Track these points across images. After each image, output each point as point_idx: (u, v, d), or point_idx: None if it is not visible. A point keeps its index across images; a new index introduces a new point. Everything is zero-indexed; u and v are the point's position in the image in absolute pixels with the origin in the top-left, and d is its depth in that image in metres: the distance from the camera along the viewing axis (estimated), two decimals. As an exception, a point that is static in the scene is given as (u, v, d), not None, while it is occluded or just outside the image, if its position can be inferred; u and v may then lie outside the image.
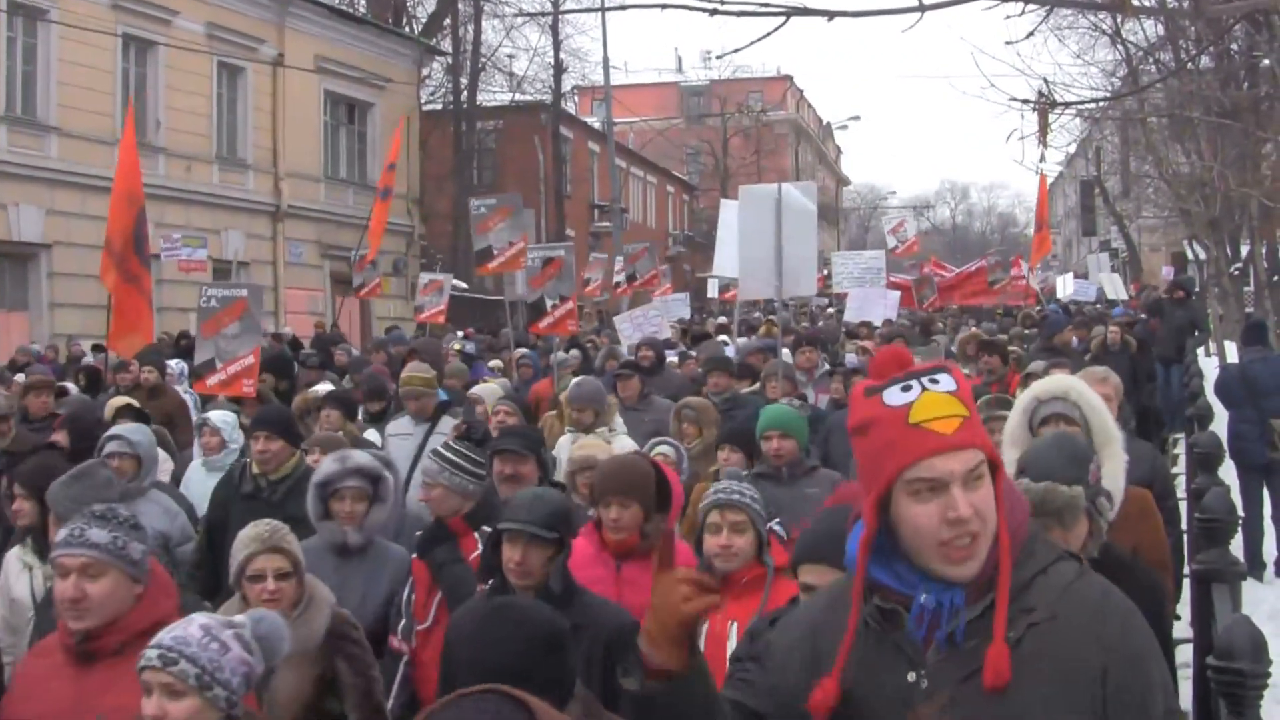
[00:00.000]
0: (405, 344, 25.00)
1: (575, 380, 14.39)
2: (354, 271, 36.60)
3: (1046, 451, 5.59)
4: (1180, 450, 19.80)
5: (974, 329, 23.40)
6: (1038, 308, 33.02)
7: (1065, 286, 50.07)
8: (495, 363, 22.18)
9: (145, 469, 9.38)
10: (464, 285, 50.13)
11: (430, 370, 13.67)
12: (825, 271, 38.16)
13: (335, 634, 6.66)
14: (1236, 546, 8.81)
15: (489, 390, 14.23)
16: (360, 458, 8.31)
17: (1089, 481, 5.41)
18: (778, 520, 7.67)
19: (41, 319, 32.88)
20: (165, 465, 11.36)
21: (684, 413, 12.41)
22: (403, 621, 7.63)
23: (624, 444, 11.60)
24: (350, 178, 45.87)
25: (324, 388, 15.46)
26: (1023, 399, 7.05)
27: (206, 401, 15.70)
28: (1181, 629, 10.47)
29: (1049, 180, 62.61)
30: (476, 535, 7.66)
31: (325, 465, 8.33)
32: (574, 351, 21.57)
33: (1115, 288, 39.22)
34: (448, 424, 12.32)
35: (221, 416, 11.97)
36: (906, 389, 3.40)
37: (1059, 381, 7.07)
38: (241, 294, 16.08)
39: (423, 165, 50.05)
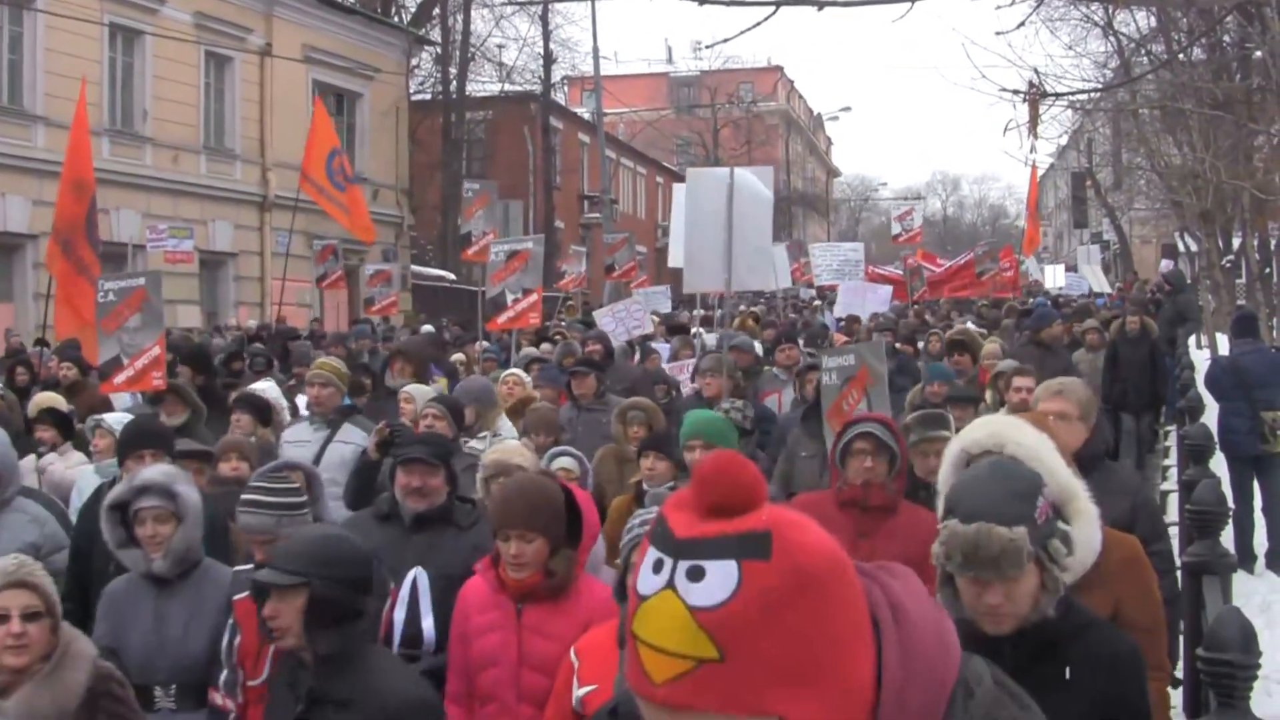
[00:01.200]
0: (369, 338, 24.60)
1: (467, 378, 14.00)
2: (315, 263, 35.53)
3: (978, 483, 4.42)
4: (1172, 442, 19.83)
5: (957, 327, 22.92)
6: (1020, 300, 32.88)
7: (1055, 279, 50.10)
8: (459, 356, 21.18)
9: (5, 480, 8.58)
10: (453, 276, 50.16)
11: (340, 363, 12.87)
12: (804, 259, 37.78)
13: (97, 693, 5.49)
14: (1227, 539, 8.71)
15: (420, 390, 13.01)
16: (151, 473, 7.19)
17: (1036, 519, 4.25)
18: None
19: (27, 310, 32.75)
20: (84, 467, 11.09)
21: (630, 414, 11.61)
22: (224, 673, 6.72)
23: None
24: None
25: (264, 386, 14.78)
26: (949, 452, 5.61)
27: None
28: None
29: (1040, 172, 62.74)
30: None
31: (118, 487, 7.43)
32: (544, 346, 21.02)
33: (1098, 280, 39.20)
34: (351, 432, 11.40)
35: (117, 418, 11.08)
36: (658, 567, 2.14)
37: (991, 429, 5.54)
38: (139, 283, 14.99)
39: (412, 156, 50.02)
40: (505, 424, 11.81)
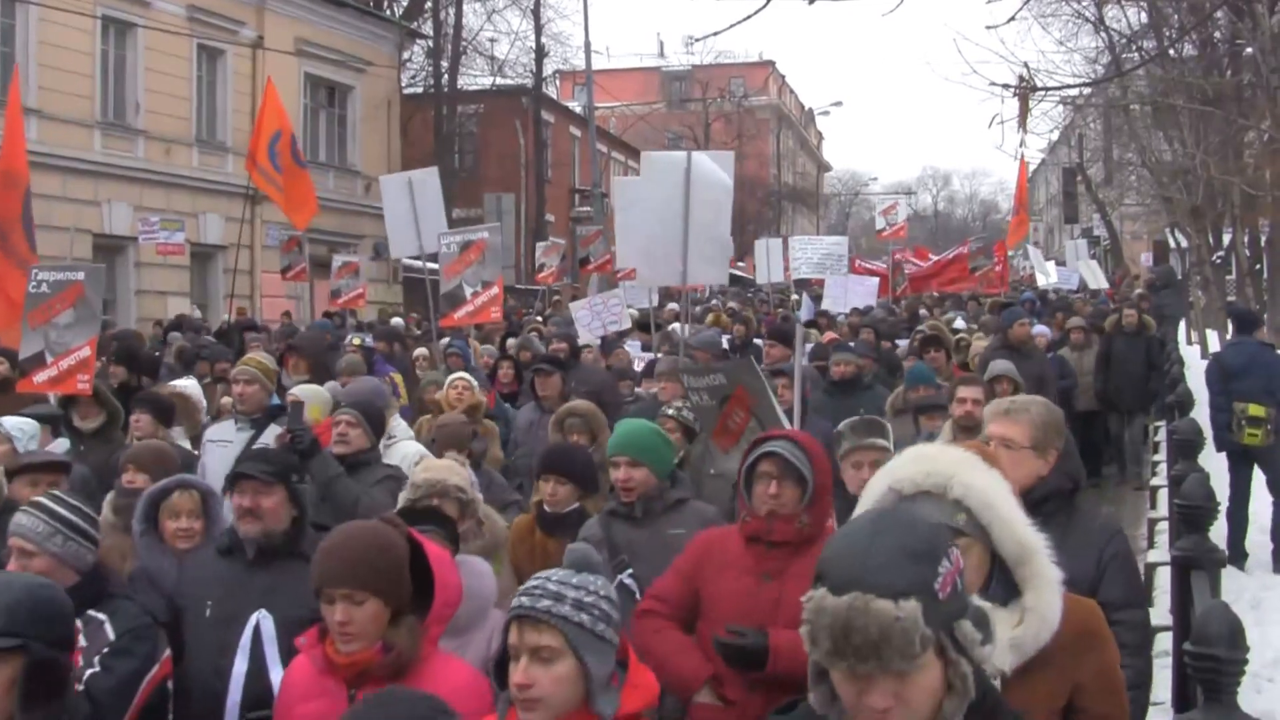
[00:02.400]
0: (327, 331, 23.77)
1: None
2: (280, 254, 34.60)
3: (857, 539, 3.21)
4: (1161, 437, 19.83)
5: (931, 321, 22.30)
6: (1006, 295, 32.73)
7: (1048, 274, 49.94)
8: (421, 351, 20.10)
9: None
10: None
11: (269, 359, 11.92)
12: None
13: None
14: (1215, 534, 8.75)
15: (310, 392, 11.61)
16: None
17: (936, 590, 3.08)
18: (629, 572, 6.92)
19: (20, 301, 32.78)
20: None
21: (568, 421, 10.54)
22: None
23: (405, 451, 10.36)
24: (330, 161, 45.77)
25: (185, 383, 14.04)
26: (872, 489, 4.31)
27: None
28: (1161, 615, 10.51)
29: (1031, 167, 62.72)
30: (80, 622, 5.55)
31: None
32: (512, 341, 20.46)
33: (1095, 276, 38.82)
34: (277, 433, 10.33)
35: (17, 423, 10.24)
36: None
37: (931, 463, 4.26)
38: (77, 277, 13.71)
39: (403, 149, 49.99)
40: (399, 425, 10.94)
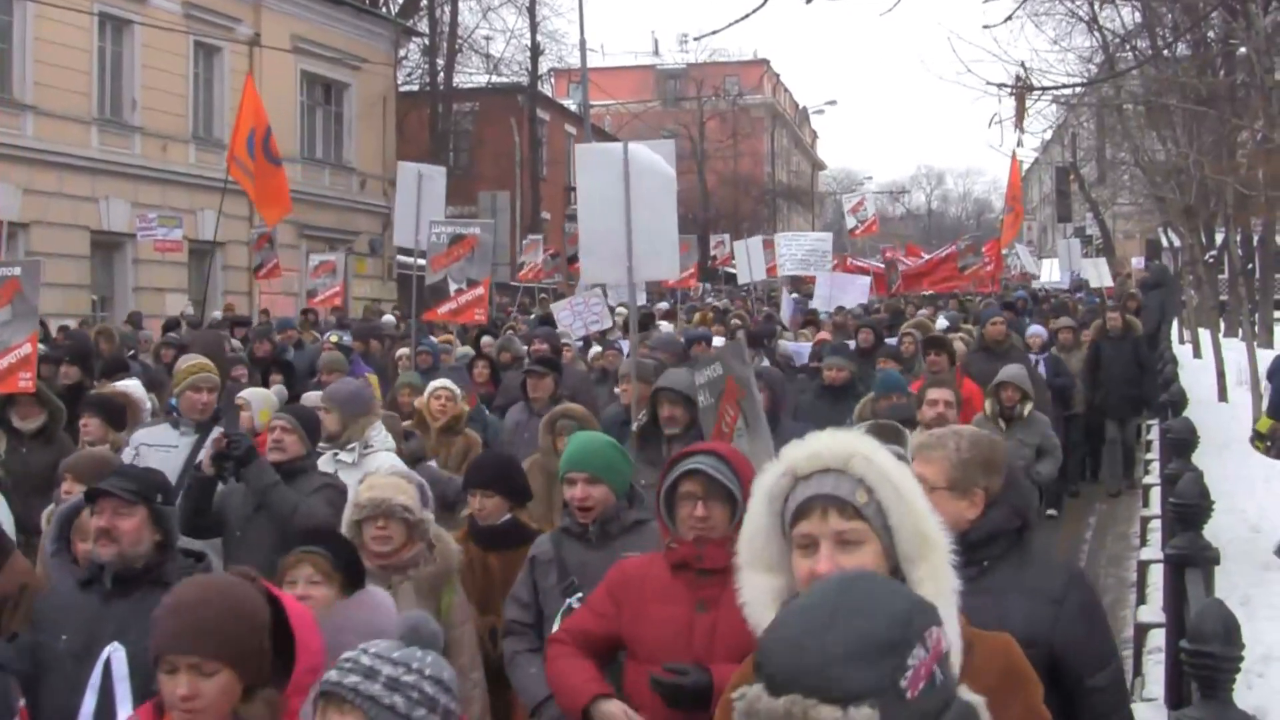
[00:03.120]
0: (292, 329, 22.98)
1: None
2: (252, 251, 34.14)
3: (808, 617, 2.50)
4: (1154, 436, 19.86)
5: (920, 317, 22.03)
6: (997, 295, 32.49)
7: (1051, 273, 49.67)
8: (404, 351, 18.98)
9: None
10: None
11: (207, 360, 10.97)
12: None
13: None
14: (1209, 531, 8.84)
15: (257, 395, 11.36)
16: None
17: (902, 688, 2.39)
18: (578, 595, 6.42)
19: (16, 298, 32.80)
20: None
21: (560, 423, 10.28)
22: None
23: (380, 463, 9.39)
24: (326, 158, 45.87)
25: (128, 384, 13.42)
26: (760, 484, 3.64)
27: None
28: (1154, 613, 10.59)
29: (1025, 166, 62.57)
30: None
31: None
32: (488, 340, 19.79)
33: (1102, 275, 38.30)
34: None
35: None
36: None
37: (832, 441, 3.60)
38: (12, 273, 13.27)
39: (399, 147, 49.99)
40: (379, 434, 10.11)
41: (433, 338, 20.31)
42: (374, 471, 8.72)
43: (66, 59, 33.92)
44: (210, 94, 40.65)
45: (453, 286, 18.48)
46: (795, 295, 33.73)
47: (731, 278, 53.46)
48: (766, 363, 15.69)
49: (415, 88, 58.00)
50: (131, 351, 21.39)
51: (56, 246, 33.43)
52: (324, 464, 9.55)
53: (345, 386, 10.50)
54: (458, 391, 12.66)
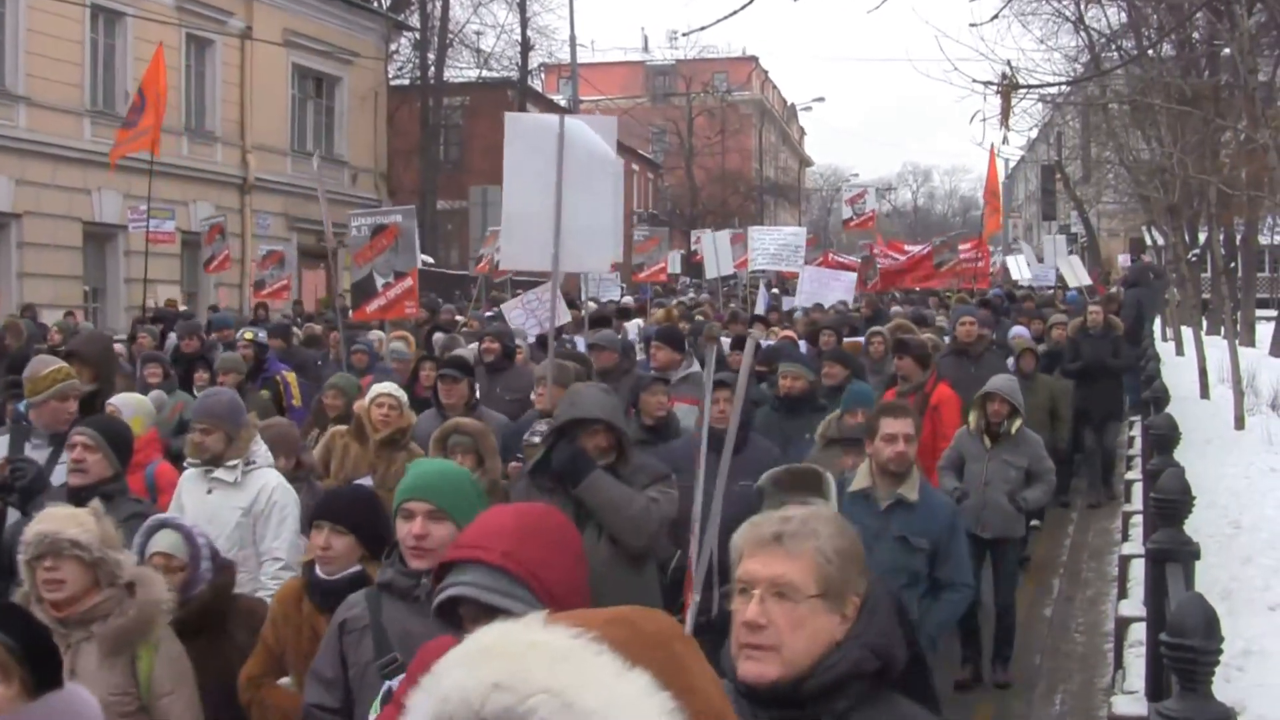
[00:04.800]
0: (229, 328, 20.43)
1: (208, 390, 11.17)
2: (204, 244, 32.54)
3: None
4: (1136, 432, 19.95)
5: (899, 319, 19.46)
6: (952, 293, 32.16)
7: (1020, 269, 49.55)
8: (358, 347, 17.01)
9: None
10: (430, 260, 50.29)
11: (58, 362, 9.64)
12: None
13: None
14: (1190, 526, 8.98)
15: (135, 403, 10.27)
16: None
17: None
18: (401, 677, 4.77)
19: (10, 289, 32.86)
20: None
21: (452, 439, 9.00)
22: None
23: (266, 481, 8.48)
24: (317, 151, 45.85)
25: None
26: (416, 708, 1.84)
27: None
28: (1135, 607, 10.75)
29: (1010, 164, 62.51)
30: None
31: None
32: (438, 336, 18.57)
33: (1077, 273, 38.31)
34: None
35: None
36: None
37: (496, 665, 1.80)
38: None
39: (389, 141, 50.09)
40: (261, 451, 8.78)
41: (379, 332, 18.82)
42: (259, 491, 8.37)
43: (59, 50, 33.94)
44: (202, 87, 40.66)
45: (379, 281, 17.02)
46: (774, 290, 33.35)
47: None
48: (696, 366, 13.41)
49: (406, 82, 58.01)
50: (40, 346, 19.91)
51: (48, 238, 33.56)
52: (193, 484, 8.53)
53: (220, 398, 9.01)
54: (403, 399, 10.90)
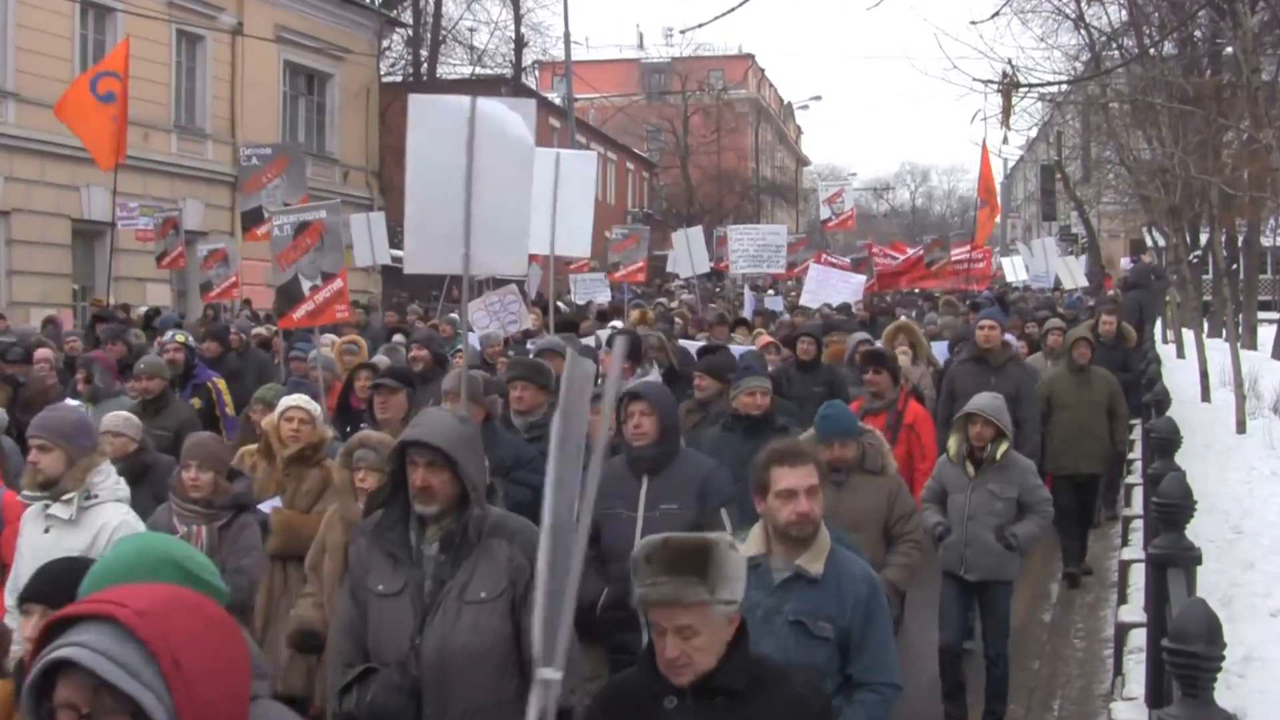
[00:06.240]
0: (172, 327, 19.29)
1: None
2: (156, 238, 31.35)
3: None
4: (1137, 435, 19.75)
5: (902, 320, 18.71)
6: (942, 295, 31.85)
7: (1015, 271, 49.43)
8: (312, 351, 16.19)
9: None
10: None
11: None
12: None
13: None
14: (1192, 531, 8.81)
15: None
16: None
17: None
18: None
19: (-1, 286, 32.77)
20: None
21: (358, 454, 8.49)
22: None
23: (107, 518, 7.65)
24: (309, 148, 45.64)
25: None
26: None
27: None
28: (1136, 613, 10.57)
29: (1009, 164, 62.37)
30: None
31: None
32: (397, 338, 17.87)
33: (1074, 275, 38.06)
34: None
35: None
36: None
37: None
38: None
39: (382, 138, 49.95)
40: (108, 483, 7.91)
41: (331, 335, 17.77)
42: (99, 530, 7.48)
43: (49, 46, 33.80)
44: (193, 83, 40.56)
45: (305, 284, 15.11)
46: (757, 292, 32.81)
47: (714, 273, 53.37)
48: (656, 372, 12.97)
49: (399, 79, 58.05)
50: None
51: (37, 235, 33.36)
52: (32, 521, 7.80)
53: (65, 416, 8.15)
54: (316, 412, 10.12)
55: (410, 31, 57.90)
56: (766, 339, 17.96)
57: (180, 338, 16.23)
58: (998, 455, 10.48)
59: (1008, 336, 17.21)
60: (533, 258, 19.57)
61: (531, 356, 12.75)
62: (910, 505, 9.55)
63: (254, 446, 10.26)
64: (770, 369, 13.33)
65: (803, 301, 27.68)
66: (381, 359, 15.30)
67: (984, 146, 33.60)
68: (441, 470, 5.80)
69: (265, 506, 9.38)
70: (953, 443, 10.68)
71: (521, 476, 9.35)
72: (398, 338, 18.01)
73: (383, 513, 6.08)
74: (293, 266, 15.01)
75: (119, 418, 9.93)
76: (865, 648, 6.11)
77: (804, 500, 6.12)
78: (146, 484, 9.40)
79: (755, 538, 6.30)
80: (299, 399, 10.12)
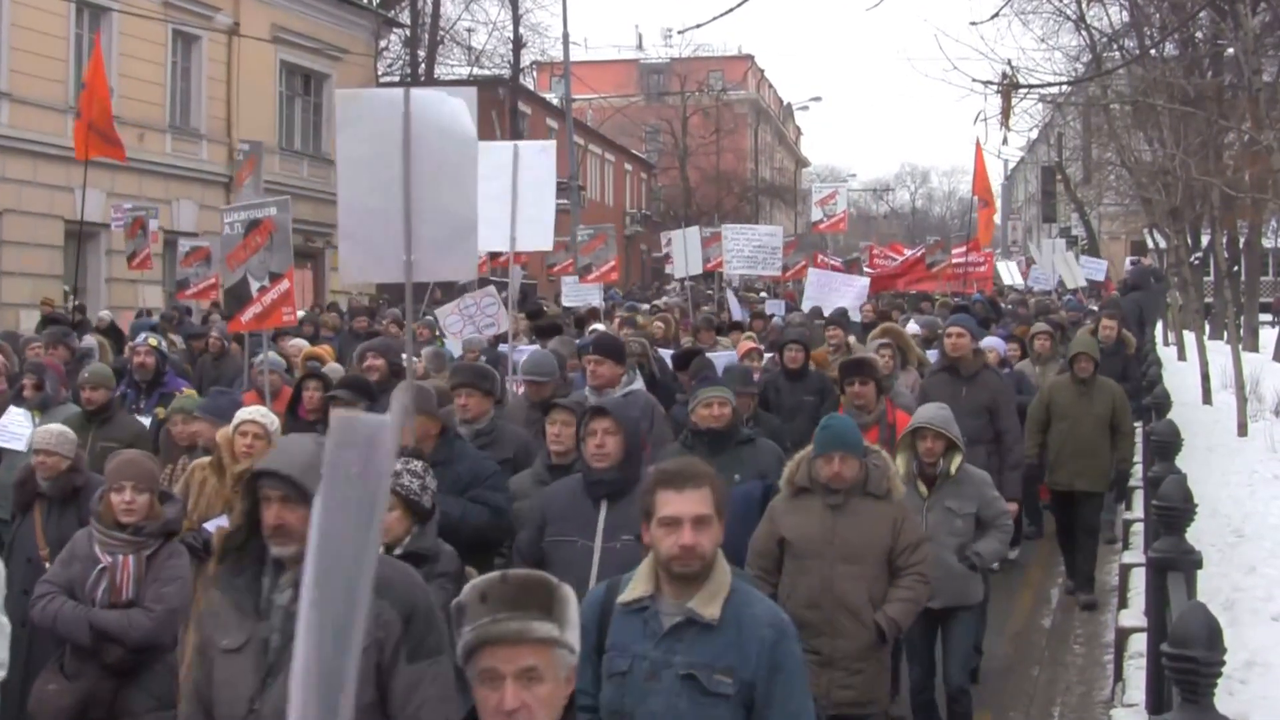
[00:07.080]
0: (147, 330, 18.09)
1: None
2: (125, 238, 30.74)
3: None
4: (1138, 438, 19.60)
5: (889, 324, 17.24)
6: (964, 297, 31.58)
7: (1011, 275, 49.30)
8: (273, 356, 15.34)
9: None
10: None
11: None
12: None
13: None
14: (1192, 534, 8.72)
15: None
16: None
17: None
18: None
19: (-7, 285, 32.70)
20: None
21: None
22: None
23: None
24: (305, 149, 45.70)
25: None
26: None
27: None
28: (1136, 617, 10.48)
29: (1010, 165, 62.31)
30: None
31: None
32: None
33: (1075, 274, 37.90)
34: None
35: None
36: None
37: None
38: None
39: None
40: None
41: (300, 340, 17.43)
42: None
43: (43, 46, 33.71)
44: (189, 83, 40.38)
45: (254, 285, 14.17)
46: (751, 294, 32.35)
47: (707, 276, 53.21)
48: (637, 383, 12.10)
49: (396, 79, 57.87)
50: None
51: (30, 235, 33.23)
52: None
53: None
54: (273, 426, 9.65)
55: (408, 32, 57.78)
56: (748, 345, 17.11)
57: (153, 341, 15.60)
58: (952, 469, 9.68)
59: (992, 340, 16.92)
60: (516, 258, 19.21)
61: (523, 375, 12.20)
62: (918, 534, 8.42)
63: (206, 460, 9.71)
64: (756, 377, 12.95)
65: (805, 306, 26.49)
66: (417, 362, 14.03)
67: (978, 146, 33.46)
68: (298, 506, 4.96)
69: (211, 525, 8.97)
70: (901, 461, 9.50)
71: (479, 495, 8.70)
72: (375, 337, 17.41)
73: (235, 556, 5.35)
74: (242, 267, 14.22)
75: (52, 434, 9.25)
76: (772, 704, 5.19)
77: (688, 531, 5.15)
78: (75, 507, 8.94)
79: (642, 576, 5.40)
80: (255, 412, 9.71)
